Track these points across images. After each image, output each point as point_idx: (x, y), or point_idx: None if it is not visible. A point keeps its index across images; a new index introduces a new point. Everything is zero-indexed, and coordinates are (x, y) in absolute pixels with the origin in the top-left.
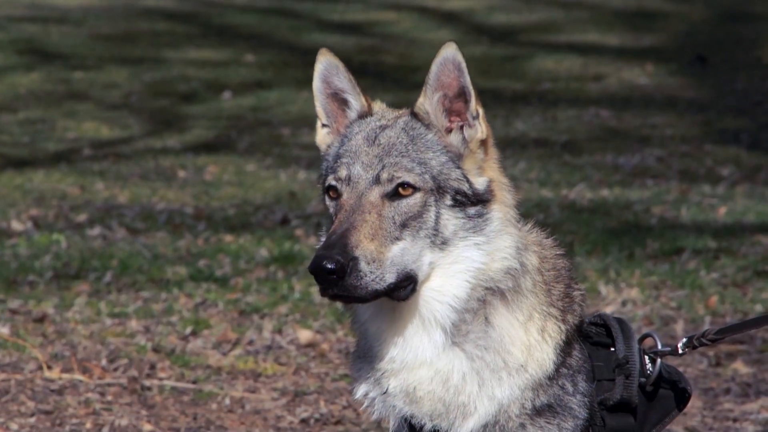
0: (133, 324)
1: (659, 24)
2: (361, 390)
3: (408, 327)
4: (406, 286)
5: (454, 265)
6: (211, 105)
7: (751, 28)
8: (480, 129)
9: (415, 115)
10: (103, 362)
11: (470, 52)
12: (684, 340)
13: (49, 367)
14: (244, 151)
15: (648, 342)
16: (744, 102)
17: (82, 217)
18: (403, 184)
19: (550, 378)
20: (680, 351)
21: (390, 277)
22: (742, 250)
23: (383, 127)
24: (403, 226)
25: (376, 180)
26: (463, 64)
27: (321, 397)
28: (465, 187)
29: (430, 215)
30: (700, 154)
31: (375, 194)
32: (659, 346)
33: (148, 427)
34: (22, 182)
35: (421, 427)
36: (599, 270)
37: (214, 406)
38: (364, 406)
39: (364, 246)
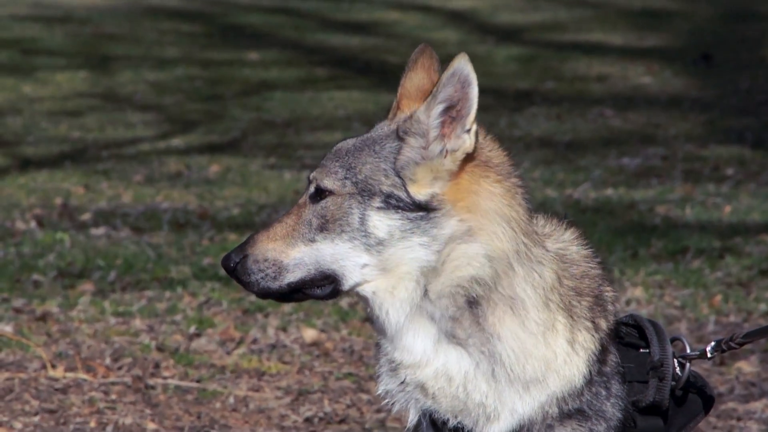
0: (137, 323)
1: (663, 23)
2: (382, 385)
3: (390, 326)
4: (322, 285)
5: (401, 267)
6: (215, 104)
7: (756, 28)
8: (468, 142)
9: (405, 121)
10: (107, 361)
11: (474, 52)
12: (713, 343)
13: (53, 366)
14: (248, 151)
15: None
16: (748, 101)
17: (86, 217)
18: (320, 188)
19: (580, 390)
20: (709, 355)
21: (291, 276)
22: (747, 250)
23: (369, 132)
24: (320, 228)
25: (309, 182)
26: (471, 76)
27: (325, 395)
28: (402, 193)
29: (354, 218)
30: (705, 153)
31: (305, 197)
32: (688, 350)
33: (152, 425)
34: (27, 182)
35: (444, 424)
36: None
37: (218, 404)
38: (385, 401)
39: (258, 245)
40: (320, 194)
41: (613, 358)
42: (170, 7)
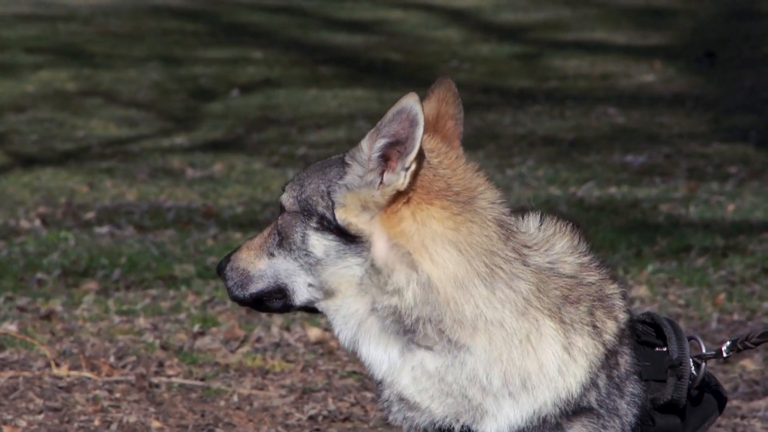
0: (141, 321)
1: (667, 21)
2: (389, 414)
3: (344, 342)
4: (277, 298)
5: (342, 286)
6: (219, 103)
7: (760, 25)
8: (401, 180)
9: (353, 147)
10: (112, 360)
11: (477, 51)
12: (728, 343)
13: (57, 365)
14: (252, 149)
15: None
16: (752, 99)
17: (90, 215)
18: (280, 203)
19: (578, 397)
20: (724, 354)
21: (254, 287)
22: (750, 248)
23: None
24: (279, 243)
25: None
26: (419, 117)
27: (329, 394)
28: (330, 216)
29: (297, 236)
30: (708, 151)
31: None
32: (703, 350)
33: (156, 424)
34: (31, 180)
35: (450, 429)
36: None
37: (222, 403)
38: (396, 425)
39: (238, 254)
40: (281, 209)
41: (627, 358)
42: (174, 5)
